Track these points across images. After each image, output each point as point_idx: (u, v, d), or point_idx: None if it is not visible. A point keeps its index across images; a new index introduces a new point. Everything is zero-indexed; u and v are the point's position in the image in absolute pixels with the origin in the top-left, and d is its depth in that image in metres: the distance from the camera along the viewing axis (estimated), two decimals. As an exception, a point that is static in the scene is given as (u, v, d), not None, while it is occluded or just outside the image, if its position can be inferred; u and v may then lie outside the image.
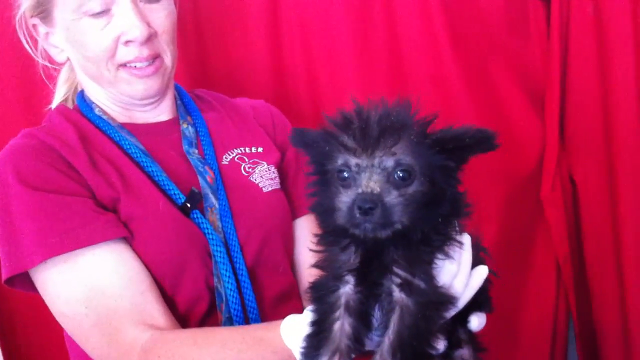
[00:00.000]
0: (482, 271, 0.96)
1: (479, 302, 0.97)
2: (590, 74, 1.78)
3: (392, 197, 0.84)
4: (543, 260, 1.88)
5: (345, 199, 0.86)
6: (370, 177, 0.85)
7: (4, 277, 1.19)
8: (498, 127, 1.72)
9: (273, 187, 1.39)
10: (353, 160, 0.86)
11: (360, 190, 0.84)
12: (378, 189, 0.84)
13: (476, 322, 0.97)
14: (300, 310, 1.35)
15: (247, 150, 1.41)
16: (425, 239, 0.88)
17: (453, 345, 0.95)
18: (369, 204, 0.83)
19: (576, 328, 1.89)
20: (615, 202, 1.81)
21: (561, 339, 1.90)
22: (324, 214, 0.92)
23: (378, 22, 1.79)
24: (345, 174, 0.87)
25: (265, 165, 1.40)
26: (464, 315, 0.96)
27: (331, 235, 0.93)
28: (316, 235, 0.96)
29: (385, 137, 0.85)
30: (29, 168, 1.20)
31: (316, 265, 0.95)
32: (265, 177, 1.38)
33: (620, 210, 1.80)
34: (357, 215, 0.83)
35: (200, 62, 1.83)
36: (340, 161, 0.88)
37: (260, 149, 1.43)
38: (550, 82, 1.79)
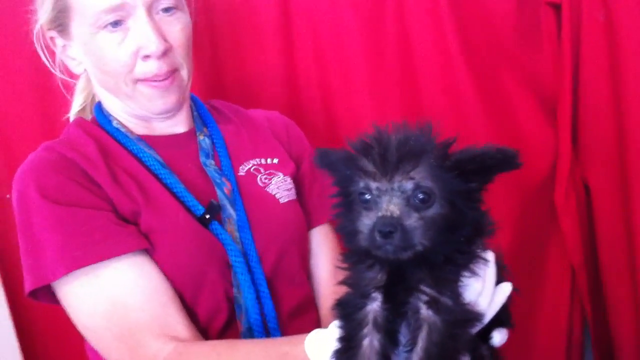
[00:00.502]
0: (506, 288, 0.98)
1: (500, 318, 0.98)
2: (602, 81, 1.78)
3: (412, 221, 0.86)
4: (557, 268, 1.89)
5: (366, 221, 0.88)
6: (390, 200, 0.87)
7: (27, 290, 1.21)
8: (510, 135, 1.81)
9: (289, 198, 1.40)
10: (373, 185, 0.88)
11: (380, 214, 0.86)
12: (398, 212, 0.86)
13: (498, 338, 0.99)
14: (316, 321, 1.39)
15: (263, 161, 1.43)
16: (449, 259, 0.90)
17: (476, 360, 0.97)
18: (388, 228, 0.85)
19: (592, 336, 1.90)
20: (629, 209, 1.81)
21: (577, 348, 1.91)
22: (348, 235, 0.94)
23: (390, 34, 1.80)
24: (367, 197, 0.89)
25: (282, 176, 1.42)
26: (485, 331, 0.98)
27: (356, 255, 0.95)
28: (342, 253, 0.98)
29: (403, 162, 0.87)
30: (50, 182, 1.21)
31: (343, 283, 0.97)
32: (281, 188, 1.40)
33: (635, 217, 1.80)
34: (378, 238, 0.86)
35: (214, 73, 1.83)
36: (361, 184, 0.90)
37: (275, 160, 1.44)
38: (562, 89, 1.79)
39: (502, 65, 1.83)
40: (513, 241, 1.84)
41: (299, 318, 1.35)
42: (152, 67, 1.26)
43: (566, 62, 1.78)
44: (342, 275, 1.41)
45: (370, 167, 0.89)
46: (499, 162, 0.89)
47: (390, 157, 0.87)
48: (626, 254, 1.84)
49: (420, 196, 0.87)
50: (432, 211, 0.87)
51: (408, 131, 0.91)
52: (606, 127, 1.81)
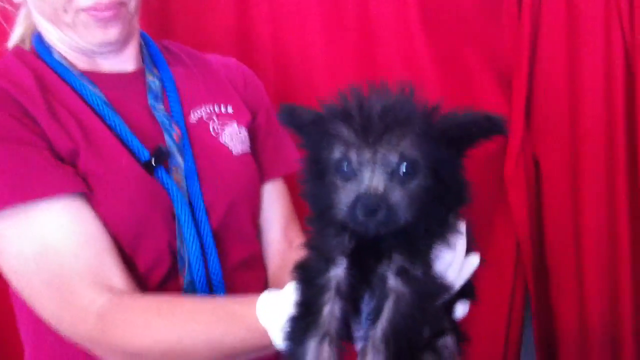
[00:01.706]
0: (474, 260, 0.95)
1: (464, 290, 0.95)
2: (558, 58, 1.80)
3: (397, 196, 0.80)
4: (503, 241, 1.90)
5: (345, 196, 0.81)
6: (373, 173, 0.80)
7: None
8: (464, 105, 1.76)
9: (243, 150, 1.32)
10: (354, 155, 0.81)
11: (362, 190, 0.80)
12: (382, 188, 0.80)
13: (461, 310, 0.97)
14: (264, 280, 1.32)
15: (217, 109, 1.33)
16: (427, 228, 0.85)
17: (437, 333, 0.93)
18: (372, 206, 0.79)
19: (533, 310, 1.93)
20: (577, 186, 1.85)
21: (517, 321, 1.94)
22: (320, 208, 0.87)
23: (350, 1, 1.77)
24: (345, 168, 0.82)
25: (236, 126, 1.33)
26: (448, 303, 0.94)
27: (324, 221, 0.88)
28: (307, 218, 0.91)
29: (389, 132, 0.80)
30: None
31: (306, 246, 0.90)
32: (235, 139, 1.31)
33: (582, 194, 1.84)
34: (360, 217, 0.79)
35: (164, 32, 1.74)
36: (338, 153, 0.82)
37: (230, 109, 1.35)
38: (519, 65, 1.80)
39: (462, 38, 1.83)
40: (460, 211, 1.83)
41: (245, 273, 1.29)
42: None
43: (524, 38, 1.79)
44: (293, 233, 1.37)
45: (350, 136, 0.81)
46: (486, 129, 0.84)
47: (374, 127, 0.80)
48: (572, 230, 1.87)
49: (405, 168, 0.81)
50: (416, 183, 0.82)
51: (389, 96, 0.84)
52: (559, 105, 1.83)
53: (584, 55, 1.78)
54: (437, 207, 0.85)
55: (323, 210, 0.86)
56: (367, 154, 0.80)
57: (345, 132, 0.82)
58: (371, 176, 0.80)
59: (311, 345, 0.83)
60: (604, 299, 1.86)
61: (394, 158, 0.80)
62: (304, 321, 0.85)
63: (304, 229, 0.92)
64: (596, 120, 1.79)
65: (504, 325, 1.92)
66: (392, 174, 0.80)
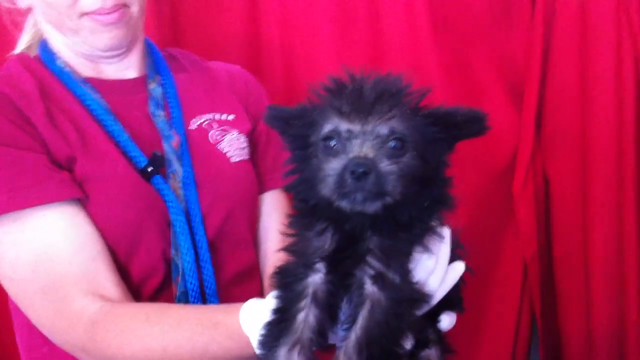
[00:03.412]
0: (459, 268, 0.91)
1: (450, 300, 0.92)
2: (571, 71, 1.76)
3: (386, 165, 0.78)
4: (510, 258, 1.86)
5: (333, 165, 0.80)
6: (363, 143, 0.79)
7: None
8: None
9: (242, 158, 1.31)
10: (344, 126, 0.80)
11: (352, 155, 0.78)
12: (372, 155, 0.78)
13: (447, 321, 0.93)
14: (259, 290, 1.30)
15: (217, 116, 1.33)
16: (408, 225, 0.83)
17: (420, 344, 0.90)
18: (362, 168, 0.77)
19: (540, 330, 1.87)
20: (587, 203, 1.79)
21: (523, 341, 1.88)
22: (304, 188, 0.85)
23: (360, 4, 1.76)
24: (333, 142, 0.81)
25: (236, 133, 1.33)
26: (433, 313, 0.91)
27: (306, 218, 0.87)
28: (289, 216, 0.90)
29: (381, 102, 0.80)
30: None
31: (286, 249, 0.89)
32: (234, 146, 1.31)
33: (591, 213, 1.78)
34: (349, 181, 0.77)
35: (174, 34, 1.75)
36: (328, 128, 0.81)
37: (231, 117, 1.35)
38: (530, 75, 1.77)
39: (472, 46, 1.80)
40: (468, 226, 1.79)
41: (241, 286, 1.27)
42: (97, 0, 1.16)
43: (536, 48, 1.76)
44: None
45: (343, 105, 0.81)
46: (469, 120, 0.84)
47: (366, 96, 0.80)
48: (580, 249, 1.82)
49: (394, 143, 0.80)
50: (404, 160, 0.80)
51: (381, 76, 0.84)
52: (571, 118, 1.79)
53: (595, 68, 1.74)
54: (424, 195, 0.83)
55: (308, 194, 0.84)
56: (357, 125, 0.79)
57: (336, 103, 0.81)
58: (361, 144, 0.79)
59: (281, 353, 0.81)
60: (612, 320, 1.80)
61: (383, 130, 0.79)
62: (277, 328, 0.84)
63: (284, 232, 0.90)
64: (608, 135, 1.74)
65: (511, 345, 1.86)
66: (382, 146, 0.79)
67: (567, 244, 1.83)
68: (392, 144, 0.80)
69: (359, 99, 0.80)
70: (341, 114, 0.80)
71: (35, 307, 1.11)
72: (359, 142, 0.79)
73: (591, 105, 1.76)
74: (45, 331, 1.12)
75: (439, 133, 0.83)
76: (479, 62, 1.80)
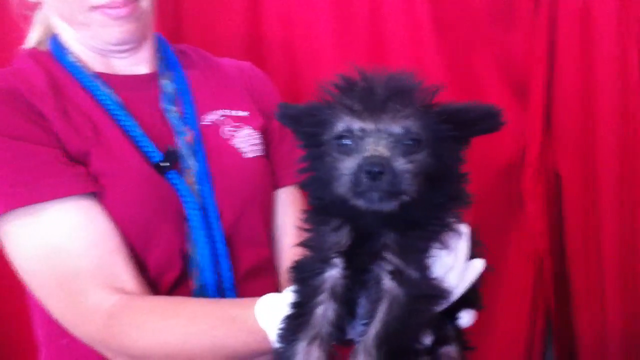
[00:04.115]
0: (478, 265, 0.90)
1: (470, 297, 0.91)
2: (578, 67, 1.75)
3: (401, 164, 0.77)
4: (519, 255, 1.84)
5: (348, 165, 0.79)
6: (377, 142, 0.78)
7: None
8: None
9: (255, 154, 1.31)
10: (357, 125, 0.79)
11: (367, 154, 0.77)
12: (387, 153, 0.77)
13: (466, 318, 0.92)
14: (274, 286, 1.30)
15: (230, 112, 1.33)
16: (424, 222, 0.82)
17: (439, 341, 0.89)
18: (378, 167, 0.76)
19: (554, 326, 1.86)
20: (599, 199, 1.78)
21: (538, 338, 1.86)
22: (319, 186, 0.85)
23: (361, 4, 1.75)
24: (346, 141, 0.80)
25: (249, 129, 1.32)
26: (452, 310, 0.90)
27: (322, 214, 0.86)
28: (305, 212, 0.89)
29: (393, 100, 0.79)
30: None
31: (302, 244, 0.88)
32: (247, 142, 1.30)
33: (604, 208, 1.77)
34: (364, 180, 0.76)
35: (176, 31, 1.76)
36: (340, 127, 0.80)
37: (244, 113, 1.34)
38: (535, 73, 1.76)
39: (474, 44, 1.79)
40: (475, 224, 1.78)
41: (257, 281, 1.27)
42: None
43: (540, 45, 1.75)
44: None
45: (354, 104, 0.80)
46: (483, 116, 0.83)
47: (379, 94, 0.79)
48: (594, 245, 1.80)
49: (408, 141, 0.79)
50: (419, 158, 0.79)
51: (392, 74, 0.83)
52: (580, 114, 1.78)
53: (602, 64, 1.73)
54: (439, 193, 0.82)
55: (323, 192, 0.84)
56: (370, 123, 0.79)
57: (348, 101, 0.80)
58: (375, 142, 0.78)
59: (300, 347, 0.81)
60: (627, 316, 1.78)
61: (397, 129, 0.78)
62: (295, 322, 0.83)
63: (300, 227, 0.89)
64: (617, 130, 1.73)
65: (524, 343, 1.84)
66: (396, 144, 0.78)
67: (580, 240, 1.82)
68: (406, 142, 0.79)
69: (370, 97, 0.80)
70: (353, 112, 0.80)
71: (53, 300, 1.12)
72: (373, 141, 0.78)
73: (599, 101, 1.75)
74: (64, 323, 1.12)
75: (453, 130, 0.82)
76: (481, 60, 1.79)
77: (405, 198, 0.78)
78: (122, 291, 1.09)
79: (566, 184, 1.82)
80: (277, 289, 1.30)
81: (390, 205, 0.78)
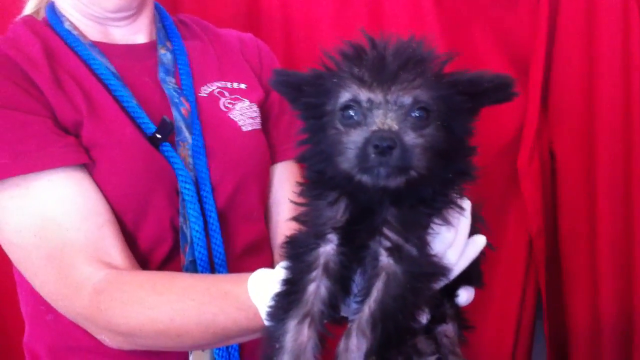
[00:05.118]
0: (480, 241, 0.87)
1: (469, 275, 0.88)
2: (578, 46, 1.73)
3: (411, 138, 0.73)
4: (515, 235, 1.82)
5: (354, 138, 0.75)
6: (386, 114, 0.74)
7: None
8: None
9: (253, 127, 1.27)
10: (365, 95, 0.75)
11: (375, 128, 0.73)
12: (396, 127, 0.73)
13: (465, 296, 0.89)
14: (270, 263, 1.27)
15: (229, 85, 1.29)
16: (429, 198, 0.79)
17: (437, 319, 0.86)
18: (387, 142, 0.72)
19: (544, 305, 1.84)
20: (593, 179, 1.76)
21: (528, 316, 1.86)
22: (319, 160, 0.81)
23: None
24: (352, 112, 0.76)
25: (247, 102, 1.28)
26: (451, 288, 0.87)
27: (318, 188, 0.82)
28: (300, 185, 0.85)
29: (404, 70, 0.75)
30: None
31: (296, 219, 0.85)
32: (245, 115, 1.27)
33: (597, 188, 1.76)
34: (372, 156, 0.72)
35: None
36: (346, 97, 0.76)
37: (243, 85, 1.31)
38: (536, 51, 1.73)
39: (475, 21, 1.76)
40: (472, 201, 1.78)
41: (251, 257, 1.24)
42: None
43: (542, 23, 1.72)
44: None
45: (363, 74, 0.76)
46: (496, 86, 0.79)
47: (389, 63, 0.75)
48: (587, 225, 1.79)
49: (418, 113, 0.75)
50: (429, 131, 0.76)
51: (403, 41, 0.78)
52: (579, 93, 1.76)
53: (602, 43, 1.70)
54: (449, 167, 0.78)
55: (324, 166, 0.80)
56: (379, 94, 0.74)
57: (357, 71, 0.76)
58: (384, 115, 0.74)
59: (290, 325, 0.78)
60: (618, 295, 1.77)
61: (407, 100, 0.74)
62: (286, 299, 0.80)
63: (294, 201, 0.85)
64: (615, 111, 1.71)
65: (515, 321, 1.84)
66: (405, 117, 0.74)
67: (574, 220, 1.81)
68: (415, 114, 0.75)
69: (381, 67, 0.75)
70: (361, 82, 0.75)
71: (39, 274, 1.08)
72: (382, 113, 0.74)
73: (598, 81, 1.73)
74: (49, 299, 1.09)
75: (464, 101, 0.78)
76: (482, 38, 1.76)
77: (413, 174, 0.74)
78: (111, 266, 1.06)
79: (561, 164, 1.80)
80: (272, 266, 1.26)
81: (397, 182, 0.75)
